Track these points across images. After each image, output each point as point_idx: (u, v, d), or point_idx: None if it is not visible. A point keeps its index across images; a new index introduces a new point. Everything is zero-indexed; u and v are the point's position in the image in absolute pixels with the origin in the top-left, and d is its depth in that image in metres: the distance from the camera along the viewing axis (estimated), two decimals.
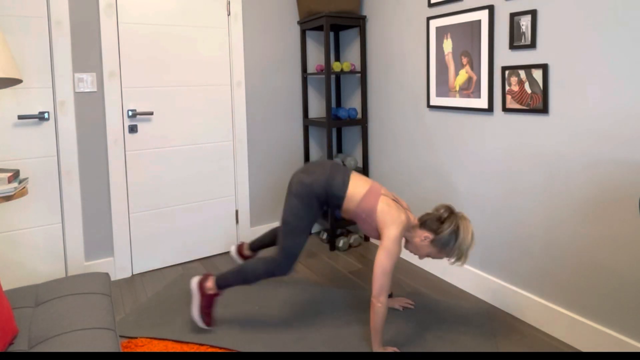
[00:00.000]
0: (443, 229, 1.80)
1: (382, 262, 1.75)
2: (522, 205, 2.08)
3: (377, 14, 2.96)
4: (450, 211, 1.84)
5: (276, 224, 3.22)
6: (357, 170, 3.13)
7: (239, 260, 2.44)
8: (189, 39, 2.79)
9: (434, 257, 1.89)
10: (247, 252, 2.45)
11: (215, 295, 2.00)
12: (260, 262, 1.93)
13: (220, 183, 2.97)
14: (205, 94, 2.87)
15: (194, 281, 2.00)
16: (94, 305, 1.46)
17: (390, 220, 1.81)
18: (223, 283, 1.97)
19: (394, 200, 1.91)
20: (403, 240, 1.92)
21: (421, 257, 1.91)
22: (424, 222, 1.87)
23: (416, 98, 2.68)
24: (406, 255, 2.82)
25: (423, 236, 1.85)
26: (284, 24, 3.17)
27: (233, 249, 2.45)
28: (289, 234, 1.91)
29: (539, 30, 1.94)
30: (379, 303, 1.74)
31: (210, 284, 1.99)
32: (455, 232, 1.79)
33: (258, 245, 2.41)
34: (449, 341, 1.92)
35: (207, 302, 1.99)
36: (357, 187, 1.92)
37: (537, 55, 1.96)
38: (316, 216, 1.95)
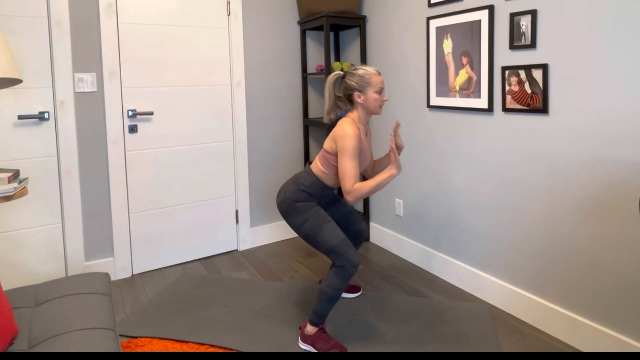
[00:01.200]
0: (348, 84, 1.92)
1: (344, 164, 1.80)
2: (522, 205, 2.08)
3: (377, 14, 2.96)
4: (329, 78, 1.97)
5: (277, 223, 3.22)
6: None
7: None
8: (189, 39, 2.79)
9: (379, 92, 1.90)
10: None
11: (321, 330, 1.88)
12: (330, 275, 1.85)
13: (220, 183, 2.97)
14: (205, 94, 2.87)
15: (300, 343, 1.90)
16: (94, 305, 1.46)
17: (337, 136, 1.83)
18: (316, 318, 1.86)
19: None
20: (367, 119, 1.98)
21: (380, 104, 1.93)
22: (343, 100, 1.98)
23: (416, 98, 2.68)
24: (406, 255, 2.82)
25: (356, 100, 1.91)
26: (284, 24, 3.17)
27: None
28: (315, 238, 1.86)
29: (539, 30, 1.94)
30: (349, 195, 1.77)
31: (309, 328, 1.88)
32: (352, 71, 1.92)
33: None
34: (449, 341, 1.92)
35: (322, 342, 1.85)
36: (316, 163, 1.98)
37: (537, 55, 1.96)
38: (316, 209, 1.91)
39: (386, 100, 1.95)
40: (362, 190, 1.76)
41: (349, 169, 1.79)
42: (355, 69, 1.93)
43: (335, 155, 1.88)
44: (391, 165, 1.77)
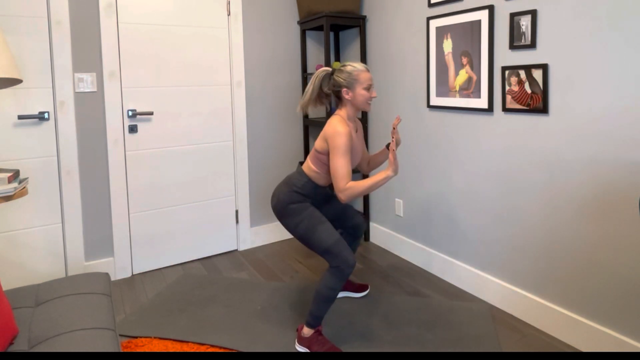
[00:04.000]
0: (337, 80, 1.91)
1: (335, 164, 1.78)
2: (522, 205, 2.08)
3: (377, 14, 2.96)
4: (318, 73, 1.95)
5: (277, 223, 3.22)
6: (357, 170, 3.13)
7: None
8: (189, 39, 2.79)
9: (368, 88, 1.89)
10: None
11: (317, 332, 1.87)
12: (325, 275, 1.84)
13: (220, 183, 2.97)
14: (205, 94, 2.87)
15: (297, 346, 1.89)
16: (94, 305, 1.46)
17: (329, 134, 1.82)
18: (313, 320, 1.85)
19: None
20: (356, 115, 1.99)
21: (369, 99, 1.91)
22: (330, 96, 1.99)
23: (416, 98, 2.68)
24: (406, 255, 2.82)
25: (344, 97, 1.91)
26: (284, 24, 3.17)
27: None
28: (310, 240, 1.86)
29: (539, 30, 1.94)
30: (342, 193, 1.76)
31: (305, 330, 1.87)
32: (340, 68, 1.92)
33: None
34: (449, 341, 1.92)
35: (318, 344, 1.84)
36: (308, 164, 1.97)
37: (537, 55, 1.96)
38: (310, 210, 1.90)
39: (374, 97, 1.94)
40: (356, 189, 1.75)
41: (341, 167, 1.78)
42: (344, 66, 1.92)
43: (326, 154, 1.88)
44: (388, 166, 1.76)
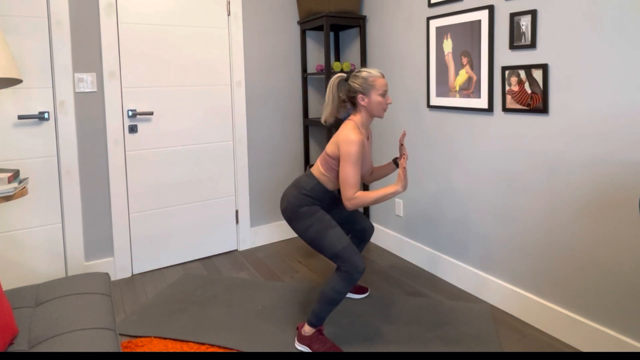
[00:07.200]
0: (352, 86, 1.89)
1: (346, 172, 1.78)
2: (522, 205, 2.08)
3: (377, 14, 2.96)
4: (333, 80, 1.92)
5: (277, 223, 3.22)
6: None
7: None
8: (189, 39, 2.79)
9: (383, 95, 1.88)
10: None
11: (318, 331, 1.87)
12: (334, 278, 1.82)
13: (220, 183, 2.97)
14: (205, 94, 2.87)
15: (296, 344, 1.89)
16: (94, 305, 1.46)
17: (341, 141, 1.81)
18: (315, 319, 1.84)
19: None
20: (368, 121, 1.98)
21: (384, 107, 1.90)
22: (347, 102, 1.96)
23: (416, 98, 2.68)
24: (407, 255, 2.82)
25: (360, 103, 1.89)
26: (284, 24, 3.17)
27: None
28: (320, 244, 1.84)
29: (539, 30, 1.94)
30: (349, 202, 1.76)
31: (306, 329, 1.87)
32: (356, 73, 1.89)
33: None
34: (450, 341, 1.92)
35: (319, 344, 1.83)
36: (317, 167, 1.95)
37: (537, 55, 1.96)
38: (320, 213, 1.89)
39: (390, 103, 1.93)
40: (364, 199, 1.75)
41: (350, 176, 1.77)
42: (359, 71, 1.90)
43: (337, 159, 1.87)
44: (398, 181, 1.75)
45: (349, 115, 1.97)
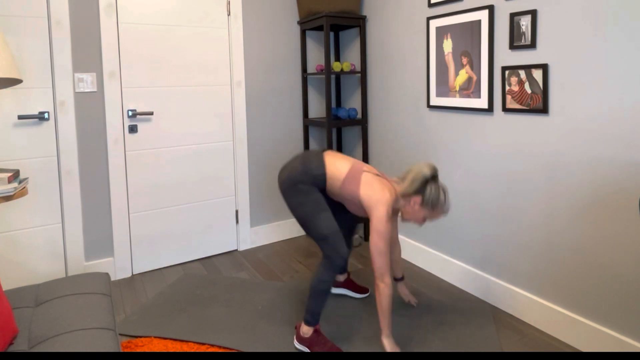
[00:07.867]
0: (429, 189, 1.80)
1: (376, 243, 1.74)
2: (522, 205, 2.08)
3: (377, 14, 2.96)
4: (427, 171, 1.82)
5: (277, 223, 3.22)
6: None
7: (341, 291, 2.38)
8: (189, 39, 2.79)
9: (430, 219, 1.87)
10: (340, 278, 2.37)
11: (316, 332, 1.86)
12: (319, 268, 1.84)
13: (220, 183, 2.97)
14: (205, 94, 2.87)
15: (295, 343, 1.89)
16: (94, 305, 1.46)
17: (375, 201, 1.78)
18: (310, 317, 1.85)
19: (378, 175, 1.89)
20: (399, 213, 1.94)
21: (420, 222, 1.87)
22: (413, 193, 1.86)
23: (416, 98, 2.68)
24: (407, 255, 2.82)
25: (412, 202, 1.83)
26: (284, 24, 3.17)
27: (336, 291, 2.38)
28: (309, 224, 1.85)
29: (539, 30, 1.94)
30: (382, 283, 1.73)
31: (304, 328, 1.87)
32: (441, 188, 1.82)
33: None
34: (449, 341, 1.92)
35: (319, 345, 1.84)
36: (336, 166, 1.89)
37: (537, 55, 1.96)
38: (316, 195, 1.88)
39: (420, 224, 1.90)
40: (384, 296, 1.73)
41: (381, 248, 1.74)
42: (444, 191, 1.82)
43: (361, 202, 1.83)
44: (389, 339, 1.76)
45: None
